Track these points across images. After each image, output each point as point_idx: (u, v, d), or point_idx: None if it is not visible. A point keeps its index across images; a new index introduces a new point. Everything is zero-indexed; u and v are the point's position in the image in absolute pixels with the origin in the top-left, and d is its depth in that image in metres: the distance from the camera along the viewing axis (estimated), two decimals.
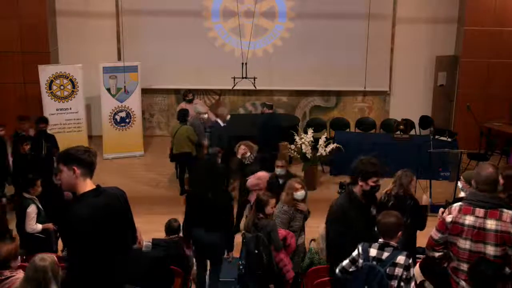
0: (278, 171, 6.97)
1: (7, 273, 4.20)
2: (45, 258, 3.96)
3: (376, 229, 4.17)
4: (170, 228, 5.85)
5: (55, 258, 4.04)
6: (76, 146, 3.49)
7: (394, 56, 11.66)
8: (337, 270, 4.20)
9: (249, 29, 9.80)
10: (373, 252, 4.09)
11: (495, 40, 10.86)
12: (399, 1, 11.42)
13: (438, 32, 11.53)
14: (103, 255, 3.36)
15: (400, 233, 4.09)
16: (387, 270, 4.01)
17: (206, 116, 9.29)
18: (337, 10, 11.24)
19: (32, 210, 5.95)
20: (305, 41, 11.45)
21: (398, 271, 3.99)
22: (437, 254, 4.19)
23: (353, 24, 11.18)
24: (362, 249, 4.09)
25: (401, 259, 3.99)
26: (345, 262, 4.16)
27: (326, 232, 4.75)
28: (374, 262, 4.06)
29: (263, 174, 7.14)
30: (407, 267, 3.99)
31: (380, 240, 4.13)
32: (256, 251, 5.28)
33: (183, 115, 9.01)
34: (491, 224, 3.91)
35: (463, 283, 4.05)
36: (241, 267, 5.54)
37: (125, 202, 3.59)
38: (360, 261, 4.10)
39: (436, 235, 4.15)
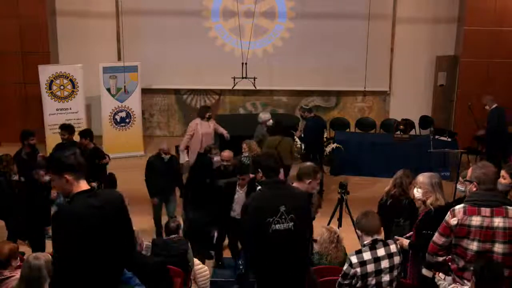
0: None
1: (6, 273, 4.20)
2: (39, 257, 3.93)
3: (358, 230, 4.15)
4: (169, 228, 5.84)
5: (50, 257, 4.02)
6: (61, 148, 3.42)
7: (394, 56, 11.66)
8: None
9: (249, 29, 9.78)
10: (366, 255, 4.04)
11: (495, 40, 10.86)
12: (399, 1, 11.42)
13: (438, 32, 11.52)
14: (94, 257, 3.22)
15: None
16: (387, 263, 4.04)
17: (271, 122, 8.79)
18: (337, 10, 11.24)
19: None
20: (305, 41, 11.45)
21: (397, 259, 4.12)
22: (440, 259, 4.12)
23: (353, 24, 11.17)
24: (357, 259, 4.01)
25: (393, 247, 4.14)
26: (339, 280, 4.12)
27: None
28: (372, 264, 4.04)
29: None
30: (399, 252, 4.18)
31: (367, 240, 4.08)
32: None
33: (280, 127, 8.45)
34: (498, 222, 3.87)
35: (468, 283, 3.95)
36: (241, 267, 5.53)
37: (121, 204, 3.46)
38: (358, 270, 4.00)
39: (440, 240, 4.05)
